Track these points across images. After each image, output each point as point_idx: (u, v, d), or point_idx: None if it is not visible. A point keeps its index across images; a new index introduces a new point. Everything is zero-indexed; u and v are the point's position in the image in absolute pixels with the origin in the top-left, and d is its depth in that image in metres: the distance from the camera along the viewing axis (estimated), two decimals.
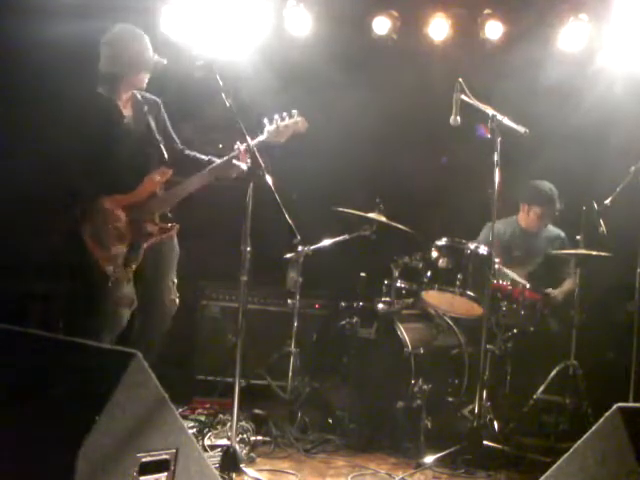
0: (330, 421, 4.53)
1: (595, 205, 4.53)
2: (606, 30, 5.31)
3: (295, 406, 4.55)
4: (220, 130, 5.89)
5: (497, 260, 4.50)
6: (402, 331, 4.46)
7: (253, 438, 4.10)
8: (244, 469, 3.48)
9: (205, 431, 4.10)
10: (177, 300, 4.13)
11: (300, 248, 4.84)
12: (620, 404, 2.70)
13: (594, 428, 2.76)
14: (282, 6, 5.50)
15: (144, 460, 2.60)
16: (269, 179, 3.56)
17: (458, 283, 4.53)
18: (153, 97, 4.19)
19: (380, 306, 4.72)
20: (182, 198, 4.05)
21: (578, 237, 4.74)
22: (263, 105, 5.25)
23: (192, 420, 4.48)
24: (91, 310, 3.85)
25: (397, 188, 5.68)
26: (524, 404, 4.60)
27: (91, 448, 2.41)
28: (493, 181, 4.08)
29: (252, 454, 3.90)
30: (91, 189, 3.86)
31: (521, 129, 4.14)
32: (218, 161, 4.07)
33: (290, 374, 4.81)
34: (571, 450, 2.83)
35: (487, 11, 5.53)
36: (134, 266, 3.91)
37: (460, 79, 4.13)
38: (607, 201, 4.47)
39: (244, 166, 3.87)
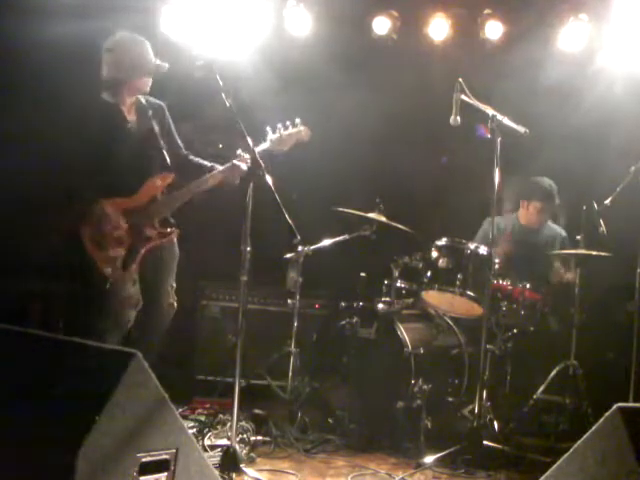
0: (330, 421, 4.53)
1: (595, 205, 4.53)
2: (606, 30, 5.31)
3: (295, 406, 4.55)
4: (220, 130, 5.88)
5: (497, 261, 4.50)
6: (402, 331, 4.46)
7: (253, 438, 4.10)
8: (244, 469, 3.48)
9: (205, 431, 4.10)
10: (175, 304, 4.16)
11: (300, 248, 4.84)
12: (620, 404, 2.70)
13: (594, 428, 2.77)
14: (282, 6, 5.50)
15: (144, 460, 2.60)
16: (269, 179, 3.56)
17: (458, 283, 4.54)
18: (158, 102, 4.21)
19: (380, 306, 4.72)
20: (182, 203, 4.06)
21: (578, 237, 4.74)
22: (263, 105, 5.27)
23: (192, 420, 4.48)
24: (94, 310, 3.87)
25: (397, 188, 5.68)
26: (524, 404, 4.60)
27: (91, 448, 2.41)
28: (493, 181, 4.09)
29: (252, 454, 3.90)
30: (92, 192, 3.88)
31: (521, 129, 4.14)
32: (220, 168, 4.08)
33: (290, 374, 4.81)
34: (571, 450, 2.83)
35: (487, 11, 5.53)
36: (133, 268, 3.92)
37: (460, 79, 4.13)
38: (607, 201, 4.47)
39: (244, 166, 3.89)
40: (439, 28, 5.55)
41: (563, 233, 5.32)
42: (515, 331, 4.67)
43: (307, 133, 4.14)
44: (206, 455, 3.20)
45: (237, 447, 3.54)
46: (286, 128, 4.06)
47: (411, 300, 4.90)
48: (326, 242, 5.00)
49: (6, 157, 4.83)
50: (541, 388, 4.62)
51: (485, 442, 4.00)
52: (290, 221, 3.44)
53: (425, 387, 4.29)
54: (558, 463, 2.88)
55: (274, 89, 5.46)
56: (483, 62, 5.58)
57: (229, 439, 3.57)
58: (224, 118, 4.61)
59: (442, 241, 4.69)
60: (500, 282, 4.62)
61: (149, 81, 4.07)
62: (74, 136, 3.92)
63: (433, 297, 4.78)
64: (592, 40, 5.41)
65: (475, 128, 4.92)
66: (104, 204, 3.86)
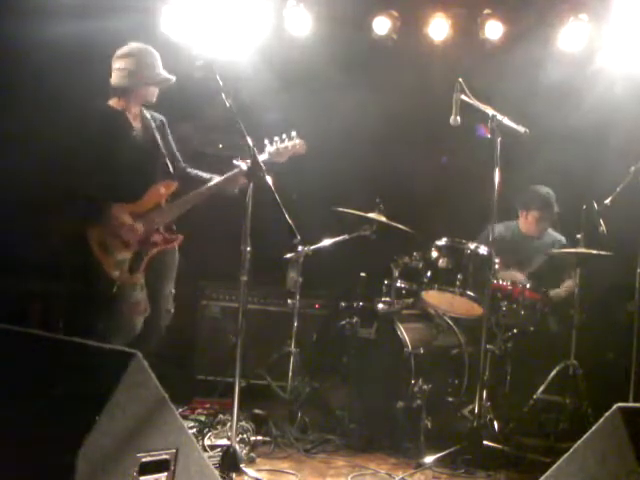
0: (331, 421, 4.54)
1: (595, 205, 4.53)
2: (606, 30, 5.31)
3: (295, 406, 4.55)
4: (220, 130, 5.89)
5: (497, 261, 4.51)
6: (402, 331, 4.46)
7: (253, 438, 4.10)
8: (244, 469, 3.49)
9: (205, 431, 4.10)
10: (172, 310, 4.19)
11: (300, 248, 4.84)
12: (620, 404, 2.70)
13: (594, 428, 2.76)
14: (282, 6, 5.50)
15: (144, 460, 2.60)
16: (269, 179, 3.57)
17: (458, 283, 4.53)
18: (160, 116, 4.29)
19: (380, 306, 4.72)
20: (183, 212, 4.12)
21: (578, 236, 4.73)
22: (263, 105, 5.27)
23: (192, 420, 4.48)
24: (102, 315, 3.87)
25: (397, 188, 5.68)
26: (524, 404, 4.60)
27: (91, 448, 2.41)
28: (493, 181, 4.09)
29: (252, 454, 3.90)
30: (101, 194, 3.89)
31: (521, 129, 4.14)
32: (217, 179, 4.14)
33: (290, 374, 4.81)
34: (571, 450, 2.83)
35: (487, 11, 5.53)
36: (140, 273, 3.94)
37: (460, 79, 4.13)
38: (607, 201, 4.47)
39: (244, 166, 3.89)
40: (439, 28, 5.55)
41: (563, 240, 5.32)
42: (515, 331, 4.67)
43: (302, 146, 4.22)
44: (206, 455, 3.20)
45: (237, 447, 3.54)
46: (282, 141, 4.15)
47: (411, 300, 4.90)
48: (326, 242, 4.99)
49: (6, 157, 4.83)
50: (541, 388, 4.61)
51: (485, 442, 4.00)
52: (290, 221, 3.44)
53: (425, 387, 4.29)
54: (558, 463, 2.88)
55: (274, 89, 5.46)
56: (483, 62, 5.58)
57: (229, 439, 3.57)
58: (224, 118, 4.63)
59: (442, 241, 4.69)
60: (500, 282, 4.62)
61: (156, 91, 4.14)
62: (75, 137, 3.94)
63: (433, 297, 4.78)
64: (592, 40, 5.40)
65: (475, 128, 4.91)
66: (111, 207, 3.89)
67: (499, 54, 5.56)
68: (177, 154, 4.33)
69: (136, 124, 4.12)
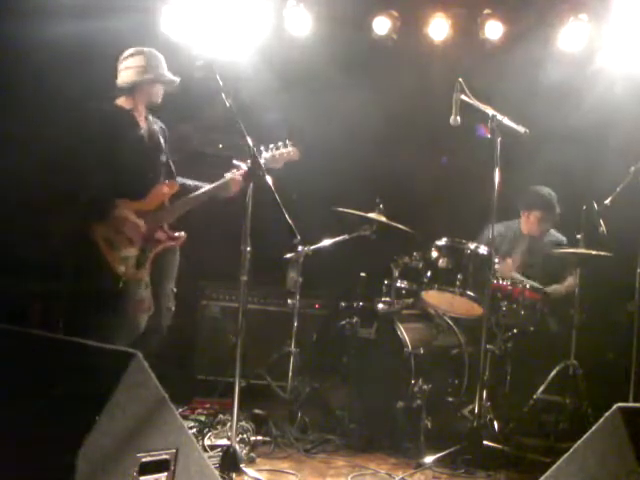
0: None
1: (595, 205, 4.53)
2: (606, 30, 5.31)
3: (295, 406, 4.56)
4: (220, 130, 5.90)
5: (497, 260, 4.51)
6: (402, 331, 4.46)
7: (253, 438, 4.10)
8: (244, 469, 3.49)
9: (205, 431, 4.11)
10: (173, 308, 4.20)
11: (300, 248, 4.84)
12: (620, 404, 2.70)
13: (594, 428, 2.77)
14: (282, 6, 5.50)
15: (144, 460, 2.60)
16: (269, 179, 3.57)
17: (458, 283, 4.53)
18: (162, 124, 4.32)
19: (380, 306, 4.72)
20: (183, 213, 4.15)
21: (578, 237, 4.73)
22: (263, 105, 5.27)
23: (192, 420, 4.48)
24: (108, 312, 3.87)
25: (397, 188, 5.68)
26: (524, 404, 4.60)
27: (91, 448, 2.41)
28: (493, 181, 4.09)
29: (252, 454, 3.90)
30: (107, 191, 3.90)
31: (521, 129, 4.14)
32: (208, 186, 4.17)
33: (290, 374, 4.82)
34: (571, 450, 2.83)
35: (487, 11, 5.53)
36: (145, 269, 3.96)
37: (460, 79, 4.13)
38: (607, 201, 4.47)
39: (244, 166, 3.90)
40: (439, 28, 5.55)
41: (564, 241, 5.31)
42: (515, 331, 4.67)
43: (296, 153, 4.30)
44: (206, 455, 3.19)
45: (237, 447, 3.55)
46: (277, 148, 4.21)
47: (411, 300, 4.90)
48: (326, 242, 5.00)
49: (6, 157, 4.83)
50: (541, 388, 4.61)
51: (485, 442, 4.00)
52: (290, 221, 3.44)
53: (425, 387, 4.29)
54: (558, 463, 2.88)
55: (274, 89, 5.46)
56: (483, 62, 5.57)
57: (229, 439, 3.57)
58: (224, 118, 4.63)
59: (442, 241, 4.69)
60: (500, 282, 4.62)
61: (161, 91, 4.16)
62: (82, 133, 3.96)
63: (433, 297, 4.78)
64: (592, 40, 5.40)
65: (475, 128, 4.91)
66: (120, 204, 3.90)
67: (499, 54, 5.56)
68: (171, 164, 4.34)
69: (142, 124, 4.14)
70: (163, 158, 4.21)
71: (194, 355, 5.54)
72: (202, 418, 4.52)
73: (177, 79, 4.15)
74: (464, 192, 5.78)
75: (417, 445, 4.19)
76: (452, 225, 5.21)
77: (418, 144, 6.04)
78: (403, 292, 4.82)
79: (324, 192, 5.51)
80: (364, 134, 5.83)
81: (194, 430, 4.11)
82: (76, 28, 4.69)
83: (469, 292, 4.52)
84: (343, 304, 4.84)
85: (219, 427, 4.21)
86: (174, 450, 2.71)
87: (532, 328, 4.67)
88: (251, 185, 3.61)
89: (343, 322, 4.66)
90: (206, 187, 4.17)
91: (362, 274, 4.91)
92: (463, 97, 4.13)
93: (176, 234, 4.12)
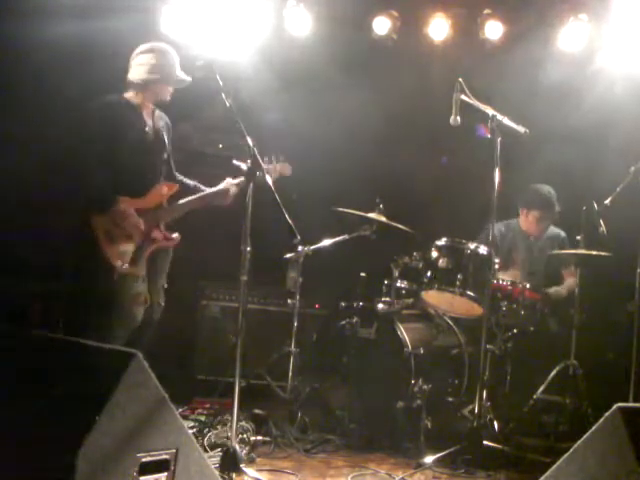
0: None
1: (595, 205, 4.53)
2: (606, 30, 5.31)
3: (295, 406, 4.55)
4: (220, 130, 5.90)
5: (497, 260, 4.51)
6: (402, 331, 4.46)
7: (253, 438, 4.10)
8: (244, 469, 3.48)
9: (205, 431, 4.10)
10: (162, 304, 4.22)
11: (300, 248, 4.84)
12: (620, 404, 2.70)
13: (594, 428, 2.77)
14: (282, 6, 5.50)
15: (144, 460, 2.60)
16: (269, 179, 3.58)
17: (458, 283, 4.53)
18: (168, 120, 4.33)
19: (380, 306, 4.72)
20: (181, 214, 4.20)
21: (578, 237, 4.73)
22: (263, 105, 5.27)
23: (192, 420, 4.47)
24: (105, 305, 3.89)
25: (397, 188, 5.68)
26: (524, 404, 4.60)
27: (91, 448, 2.41)
28: (493, 181, 4.09)
29: (252, 454, 3.90)
30: (107, 189, 3.92)
31: (521, 129, 4.14)
32: (203, 192, 4.26)
33: (290, 374, 4.81)
34: (571, 450, 2.83)
35: (487, 11, 5.53)
36: (141, 265, 3.98)
37: (460, 79, 4.13)
38: (607, 201, 4.47)
39: (244, 166, 3.90)
40: (439, 28, 5.55)
41: (562, 234, 5.32)
42: (515, 331, 4.67)
43: (288, 168, 4.49)
44: (206, 455, 3.19)
45: (237, 447, 3.54)
46: (270, 162, 4.33)
47: (411, 300, 4.90)
48: (326, 242, 4.99)
49: (6, 157, 4.83)
50: (541, 388, 4.61)
51: (485, 442, 3.99)
52: (290, 221, 3.44)
53: (425, 387, 4.29)
54: (558, 463, 2.88)
55: (274, 89, 5.46)
56: (483, 62, 5.58)
57: (229, 439, 3.56)
58: (224, 118, 4.63)
59: (442, 241, 4.69)
60: (500, 282, 4.62)
61: (171, 91, 4.18)
62: (88, 126, 3.96)
63: (433, 297, 4.78)
64: (592, 40, 5.40)
65: (475, 128, 4.91)
66: (119, 199, 3.92)
67: (499, 54, 5.56)
68: (171, 161, 4.36)
69: (148, 120, 4.15)
70: (165, 156, 4.23)
71: (194, 355, 5.54)
72: (202, 418, 4.51)
73: (188, 78, 4.15)
74: (464, 192, 5.78)
75: (417, 445, 4.19)
76: (452, 225, 5.21)
77: (418, 144, 6.03)
78: (403, 292, 4.82)
79: (324, 192, 5.51)
80: (364, 134, 5.82)
81: (194, 430, 4.10)
82: (76, 28, 4.69)
83: (469, 292, 4.52)
84: (343, 304, 4.83)
85: (219, 427, 4.20)
86: (174, 450, 2.71)
87: (532, 328, 4.67)
88: (251, 185, 3.61)
89: (343, 322, 4.66)
90: (202, 192, 4.25)
91: (362, 274, 4.91)
92: (463, 97, 4.13)
93: (173, 235, 4.16)
